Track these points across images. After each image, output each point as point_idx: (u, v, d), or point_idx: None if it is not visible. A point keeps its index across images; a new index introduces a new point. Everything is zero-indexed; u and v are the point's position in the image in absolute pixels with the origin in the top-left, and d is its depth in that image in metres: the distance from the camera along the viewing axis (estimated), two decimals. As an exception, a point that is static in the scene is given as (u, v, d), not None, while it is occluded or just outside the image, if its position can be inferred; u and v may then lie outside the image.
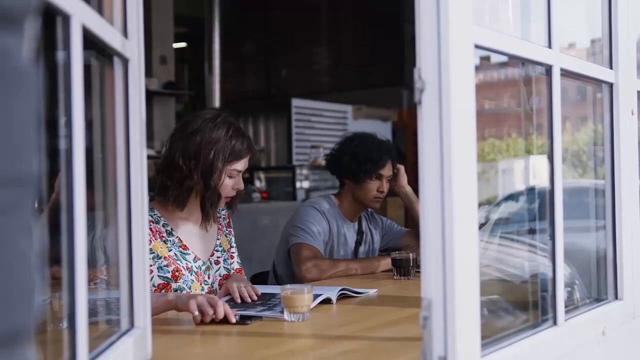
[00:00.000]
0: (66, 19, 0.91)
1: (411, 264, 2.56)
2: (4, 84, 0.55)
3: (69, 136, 0.91)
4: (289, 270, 2.79)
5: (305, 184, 6.86)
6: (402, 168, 2.99)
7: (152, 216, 2.18)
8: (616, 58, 1.73)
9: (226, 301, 2.01)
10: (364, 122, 7.43)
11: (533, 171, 1.79)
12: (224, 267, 2.32)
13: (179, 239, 2.21)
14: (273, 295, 2.09)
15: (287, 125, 7.40)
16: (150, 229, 2.14)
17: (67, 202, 0.91)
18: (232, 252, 2.41)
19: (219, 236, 2.35)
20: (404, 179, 2.99)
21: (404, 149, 6.78)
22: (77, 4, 0.93)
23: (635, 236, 1.77)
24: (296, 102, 7.39)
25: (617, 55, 1.73)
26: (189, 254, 2.21)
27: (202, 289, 2.21)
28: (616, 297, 1.73)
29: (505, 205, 2.17)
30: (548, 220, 1.45)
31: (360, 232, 3.00)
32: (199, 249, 2.26)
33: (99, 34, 1.05)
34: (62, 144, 0.91)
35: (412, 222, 3.14)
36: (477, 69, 1.16)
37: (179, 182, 2.15)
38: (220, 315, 1.78)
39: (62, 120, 0.91)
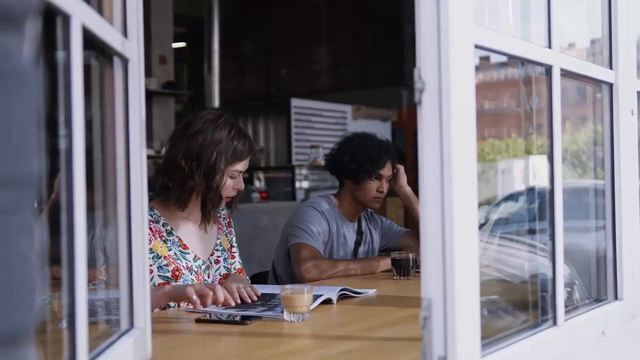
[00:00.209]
0: (66, 18, 0.91)
1: (411, 264, 2.56)
2: (5, 84, 0.55)
3: (69, 136, 0.91)
4: (289, 270, 2.79)
5: (305, 184, 6.86)
6: (401, 168, 2.99)
7: (151, 216, 2.18)
8: (616, 58, 1.73)
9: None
10: (364, 122, 7.43)
11: (533, 171, 1.79)
12: (224, 266, 2.32)
13: (179, 238, 2.21)
14: (273, 295, 2.09)
15: (286, 125, 7.40)
16: (150, 228, 2.14)
17: (67, 202, 0.91)
18: (234, 252, 2.41)
19: (219, 235, 2.35)
20: (403, 179, 2.99)
21: (403, 149, 6.77)
22: (77, 4, 0.93)
23: (635, 236, 1.77)
24: (296, 102, 7.39)
25: (617, 55, 1.73)
26: (189, 253, 2.22)
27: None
28: (616, 298, 1.73)
29: (505, 205, 2.17)
30: (548, 220, 1.45)
31: (359, 232, 3.00)
32: (199, 249, 2.26)
33: (98, 34, 1.05)
34: (62, 144, 0.91)
35: (411, 222, 3.14)
36: (477, 69, 1.16)
37: (181, 183, 2.16)
38: (220, 298, 1.83)
39: (61, 120, 0.91)
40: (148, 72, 6.38)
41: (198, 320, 1.82)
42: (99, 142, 1.28)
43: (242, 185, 2.25)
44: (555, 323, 1.42)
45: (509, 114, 1.97)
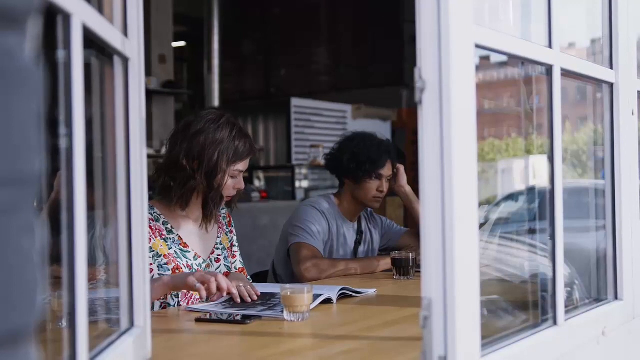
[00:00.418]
0: (67, 18, 0.90)
1: (411, 264, 2.56)
2: (6, 83, 0.55)
3: (70, 135, 0.91)
4: (289, 270, 2.79)
5: (305, 184, 6.86)
6: (401, 168, 2.99)
7: (151, 214, 2.19)
8: (616, 58, 1.73)
9: (225, 301, 2.01)
10: (364, 122, 7.43)
11: (533, 171, 1.79)
12: (224, 265, 2.33)
13: (179, 236, 2.22)
14: (273, 295, 2.09)
15: (286, 124, 7.40)
16: (150, 227, 2.15)
17: (68, 201, 0.91)
18: (235, 252, 2.41)
19: (219, 234, 2.36)
20: (403, 178, 2.99)
21: (403, 148, 6.78)
22: (77, 3, 0.93)
23: (635, 236, 1.77)
24: (296, 102, 7.39)
25: (618, 55, 1.73)
26: (189, 251, 2.22)
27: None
28: (616, 297, 1.73)
29: (505, 205, 2.17)
30: (548, 220, 1.45)
31: (359, 232, 3.00)
32: (199, 247, 2.27)
33: (99, 33, 1.05)
34: (62, 143, 0.90)
35: (411, 221, 3.14)
36: (477, 68, 1.16)
37: (183, 182, 2.16)
38: (224, 284, 1.91)
39: (62, 119, 0.90)
40: (148, 72, 6.37)
41: (198, 320, 1.82)
42: (99, 141, 1.28)
43: (242, 185, 2.26)
44: (555, 323, 1.42)
45: (509, 114, 1.97)
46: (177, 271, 2.15)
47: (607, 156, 1.74)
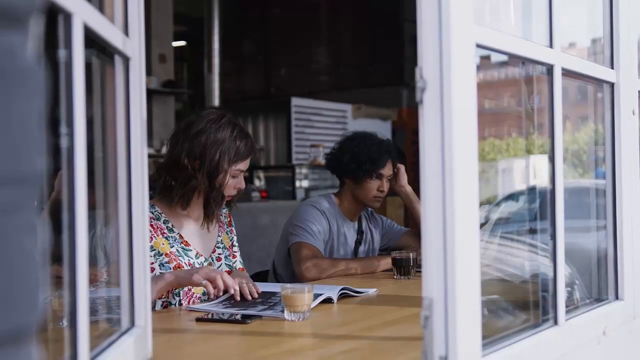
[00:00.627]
0: (68, 17, 0.90)
1: (411, 264, 2.56)
2: (8, 83, 0.55)
3: (70, 134, 0.91)
4: (289, 270, 2.79)
5: (305, 183, 6.85)
6: (402, 167, 2.99)
7: (152, 213, 2.19)
8: (617, 58, 1.73)
9: (225, 300, 2.02)
10: (364, 122, 7.43)
11: (533, 171, 1.78)
12: (225, 264, 2.34)
13: (180, 235, 2.22)
14: (273, 293, 2.09)
15: (286, 124, 7.39)
16: (152, 225, 2.16)
17: (69, 201, 0.91)
18: (235, 252, 2.42)
19: (219, 233, 2.36)
20: (404, 178, 2.99)
21: (403, 148, 6.78)
22: (78, 3, 0.93)
23: (635, 236, 1.77)
24: (296, 101, 7.38)
25: (619, 54, 1.72)
26: (191, 250, 2.23)
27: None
28: (617, 297, 1.73)
29: (505, 205, 2.17)
30: (549, 219, 1.45)
31: (360, 232, 3.00)
32: (201, 246, 2.27)
33: (100, 33, 1.05)
34: (63, 143, 0.90)
35: (412, 221, 3.14)
36: (478, 68, 1.16)
37: (184, 182, 2.17)
38: (230, 282, 1.98)
39: (63, 119, 0.90)
40: (148, 71, 6.37)
41: (199, 319, 1.82)
42: (100, 141, 1.28)
43: (243, 184, 2.27)
44: (556, 323, 1.42)
45: (510, 113, 1.97)
46: (178, 270, 2.15)
47: (607, 156, 1.74)
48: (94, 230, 1.28)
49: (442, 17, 1.07)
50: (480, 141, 1.15)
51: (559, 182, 1.43)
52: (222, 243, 2.36)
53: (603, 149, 1.76)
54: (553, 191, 1.43)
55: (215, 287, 1.96)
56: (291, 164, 7.08)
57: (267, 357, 1.51)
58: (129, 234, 1.28)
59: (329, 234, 2.85)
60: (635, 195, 1.78)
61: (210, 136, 2.17)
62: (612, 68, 1.73)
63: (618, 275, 1.72)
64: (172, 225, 2.22)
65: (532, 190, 1.82)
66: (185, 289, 2.13)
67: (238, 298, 2.01)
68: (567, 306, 1.46)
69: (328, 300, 2.04)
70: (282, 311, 1.82)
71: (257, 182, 6.94)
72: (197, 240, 2.27)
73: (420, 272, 2.40)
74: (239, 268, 2.41)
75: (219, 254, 2.33)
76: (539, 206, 1.67)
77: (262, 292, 2.11)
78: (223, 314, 1.87)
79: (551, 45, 1.43)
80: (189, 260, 2.20)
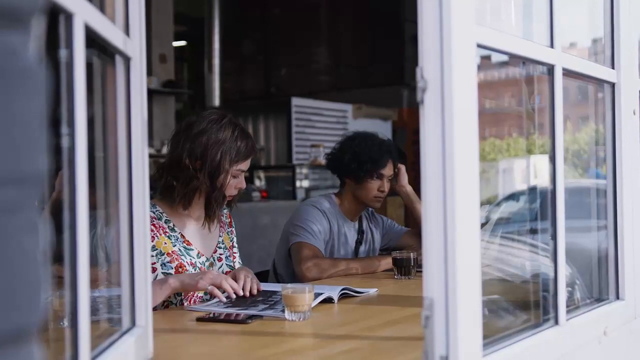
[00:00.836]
0: (69, 17, 0.90)
1: (412, 264, 2.56)
2: (10, 83, 0.55)
3: (72, 134, 0.91)
4: (290, 270, 2.79)
5: (305, 183, 6.85)
6: (403, 167, 2.99)
7: (154, 212, 2.19)
8: (618, 58, 1.73)
9: (226, 300, 2.02)
10: (364, 121, 7.43)
11: (534, 171, 1.78)
12: (226, 264, 2.34)
13: (182, 235, 2.23)
14: (274, 292, 2.10)
15: (287, 124, 7.39)
16: (154, 224, 2.16)
17: (70, 201, 0.91)
18: (234, 252, 2.42)
19: (220, 233, 2.37)
20: (404, 178, 2.99)
21: (403, 148, 6.78)
22: (79, 3, 0.93)
23: (636, 236, 1.77)
24: (296, 101, 7.38)
25: (619, 54, 1.72)
26: (193, 249, 2.23)
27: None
28: (617, 297, 1.73)
29: (506, 205, 2.17)
30: (549, 220, 1.45)
31: (360, 232, 3.00)
32: (202, 246, 2.28)
33: (101, 33, 1.05)
34: (64, 143, 0.90)
35: (412, 221, 3.14)
36: (479, 68, 1.16)
37: (185, 182, 2.17)
38: (236, 285, 2.05)
39: (64, 119, 0.90)
40: (148, 71, 6.34)
41: (199, 319, 1.82)
42: (100, 141, 1.28)
43: (243, 184, 2.28)
44: (556, 323, 1.42)
45: (511, 113, 1.97)
46: (180, 269, 2.16)
47: (608, 156, 1.74)
48: (94, 230, 1.28)
49: (443, 17, 1.07)
50: (480, 141, 1.15)
51: (559, 182, 1.43)
52: (223, 243, 2.36)
53: (604, 149, 1.76)
54: (554, 191, 1.43)
55: (223, 291, 2.02)
56: (291, 164, 7.08)
57: (267, 357, 1.51)
58: (130, 233, 1.28)
59: (330, 233, 2.85)
60: (635, 195, 1.78)
61: (212, 136, 2.17)
62: (613, 68, 1.73)
63: (619, 275, 1.72)
64: (174, 225, 2.23)
65: (532, 190, 1.82)
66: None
67: (240, 293, 2.06)
68: (567, 306, 1.46)
69: (329, 300, 2.04)
70: (283, 311, 1.82)
71: (257, 182, 6.94)
72: (198, 240, 2.27)
73: (420, 272, 2.41)
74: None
75: (220, 254, 2.33)
76: (539, 206, 1.67)
77: (263, 290, 2.13)
78: (224, 314, 1.87)
79: (552, 45, 1.43)
80: (190, 259, 2.20)
